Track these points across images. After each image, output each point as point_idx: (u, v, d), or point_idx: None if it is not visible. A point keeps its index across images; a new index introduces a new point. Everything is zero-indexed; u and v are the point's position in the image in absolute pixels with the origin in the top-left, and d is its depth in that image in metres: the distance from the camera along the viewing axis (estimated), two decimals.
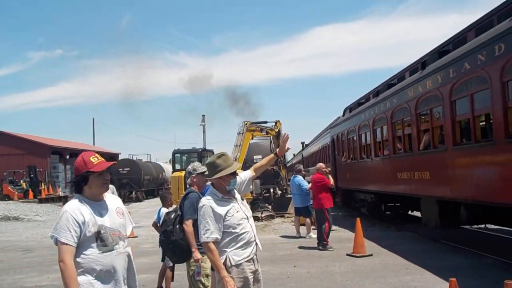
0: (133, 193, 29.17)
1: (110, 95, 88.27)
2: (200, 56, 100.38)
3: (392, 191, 10.22)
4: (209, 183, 3.44)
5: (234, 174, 3.19)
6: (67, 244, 2.44)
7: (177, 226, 4.13)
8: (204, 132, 35.18)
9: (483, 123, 6.58)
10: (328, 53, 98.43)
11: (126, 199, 27.76)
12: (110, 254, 2.54)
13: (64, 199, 24.63)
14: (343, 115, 15.74)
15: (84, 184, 2.59)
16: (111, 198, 2.75)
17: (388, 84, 11.19)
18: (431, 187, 7.99)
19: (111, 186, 6.72)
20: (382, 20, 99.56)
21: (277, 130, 15.34)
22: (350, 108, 14.92)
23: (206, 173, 3.36)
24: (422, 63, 8.90)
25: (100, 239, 2.52)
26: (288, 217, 13.47)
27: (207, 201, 3.10)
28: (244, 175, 3.40)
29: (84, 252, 2.48)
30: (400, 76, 10.62)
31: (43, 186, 29.92)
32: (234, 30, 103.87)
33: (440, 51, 8.32)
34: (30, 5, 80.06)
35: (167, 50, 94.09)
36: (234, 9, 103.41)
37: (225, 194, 3.16)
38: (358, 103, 13.84)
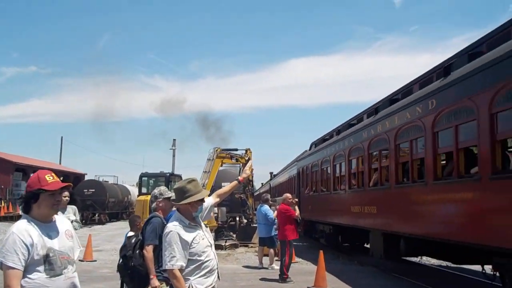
0: (96, 215, 28.53)
1: (81, 114, 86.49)
2: (176, 81, 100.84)
3: (347, 223, 10.96)
4: (174, 208, 3.38)
5: (202, 200, 3.16)
6: (14, 268, 2.28)
7: (137, 251, 4.01)
8: (174, 156, 35.38)
9: (419, 166, 7.49)
10: (302, 85, 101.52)
11: (89, 221, 27.16)
12: (58, 279, 2.39)
13: None
14: (310, 149, 16.62)
15: (34, 202, 2.44)
16: (60, 220, 2.62)
17: (349, 124, 12.17)
18: (377, 221, 8.80)
19: (73, 207, 6.49)
20: (357, 55, 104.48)
21: (247, 158, 15.23)
22: (315, 143, 15.84)
23: (173, 198, 3.28)
24: (375, 109, 9.94)
25: (48, 262, 2.37)
26: (252, 247, 13.36)
27: (173, 227, 3.01)
28: (207, 202, 3.37)
29: (29, 276, 2.32)
30: (359, 118, 11.66)
31: (3, 204, 28.80)
32: (211, 56, 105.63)
33: (391, 99, 9.39)
34: (4, 19, 78.80)
35: (142, 73, 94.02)
36: (213, 37, 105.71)
37: (191, 220, 3.09)
38: (323, 139, 14.78)
